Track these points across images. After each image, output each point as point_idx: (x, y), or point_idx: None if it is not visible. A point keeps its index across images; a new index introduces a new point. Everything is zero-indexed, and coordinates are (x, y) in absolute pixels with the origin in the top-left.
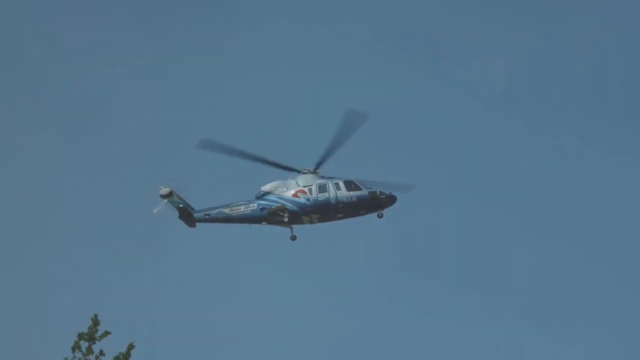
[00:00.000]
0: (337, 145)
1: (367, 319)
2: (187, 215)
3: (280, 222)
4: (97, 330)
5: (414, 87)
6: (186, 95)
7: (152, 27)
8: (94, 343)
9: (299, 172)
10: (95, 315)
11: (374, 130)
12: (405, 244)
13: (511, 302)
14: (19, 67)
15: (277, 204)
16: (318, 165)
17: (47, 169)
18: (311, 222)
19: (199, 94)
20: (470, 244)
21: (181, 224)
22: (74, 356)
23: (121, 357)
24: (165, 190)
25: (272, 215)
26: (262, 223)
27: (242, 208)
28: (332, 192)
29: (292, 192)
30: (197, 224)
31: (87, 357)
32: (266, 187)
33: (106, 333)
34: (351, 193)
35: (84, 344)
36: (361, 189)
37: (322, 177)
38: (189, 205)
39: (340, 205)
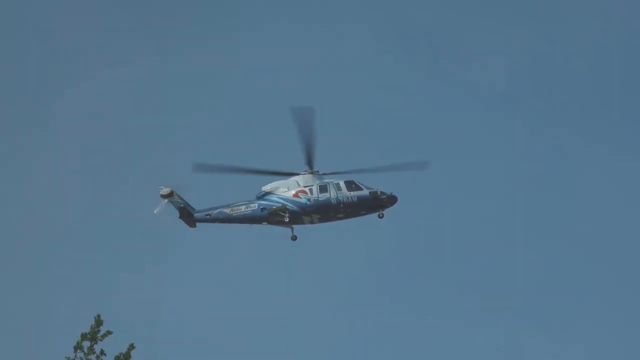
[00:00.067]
0: (310, 144)
1: (367, 319)
2: (188, 215)
3: (281, 222)
4: (99, 331)
5: (414, 87)
6: (186, 95)
7: (152, 27)
8: (96, 343)
9: (298, 174)
10: (98, 315)
11: (374, 130)
12: (405, 244)
13: (511, 302)
14: (19, 67)
15: (278, 204)
16: (310, 166)
17: (47, 168)
18: (312, 222)
19: (199, 94)
20: (470, 244)
21: (182, 224)
22: (75, 356)
23: (121, 357)
24: (165, 190)
25: (273, 216)
26: (263, 223)
27: (243, 208)
28: (332, 192)
29: (293, 192)
30: (197, 224)
31: (89, 357)
32: (267, 187)
33: (108, 333)
34: (352, 193)
35: (85, 344)
36: (362, 189)
37: (323, 177)
38: (189, 205)
39: (341, 205)
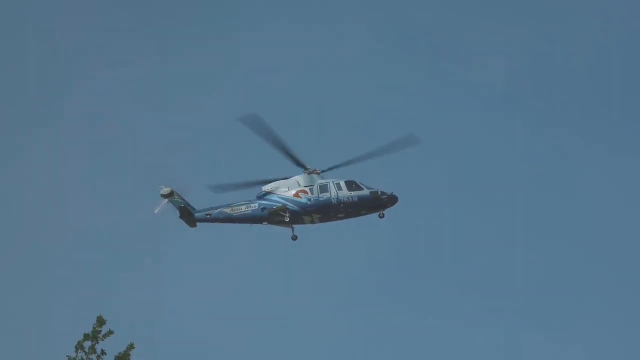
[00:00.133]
0: (284, 147)
1: (367, 319)
2: (188, 215)
3: (281, 222)
4: (100, 331)
5: (414, 87)
6: (186, 96)
7: (152, 27)
8: (97, 342)
9: (305, 169)
10: (101, 316)
11: (374, 130)
12: (405, 244)
13: (511, 302)
14: (19, 67)
15: (279, 204)
16: (329, 169)
17: (47, 169)
18: (312, 222)
19: (199, 94)
20: (470, 244)
21: (182, 224)
22: (76, 355)
23: (121, 357)
24: (166, 190)
25: (274, 216)
26: (264, 223)
27: (244, 208)
28: (333, 192)
29: (294, 192)
30: (198, 224)
31: (90, 357)
32: (267, 187)
33: (110, 333)
34: (352, 193)
35: (87, 344)
36: (362, 189)
37: (324, 177)
38: (190, 205)
39: (342, 205)
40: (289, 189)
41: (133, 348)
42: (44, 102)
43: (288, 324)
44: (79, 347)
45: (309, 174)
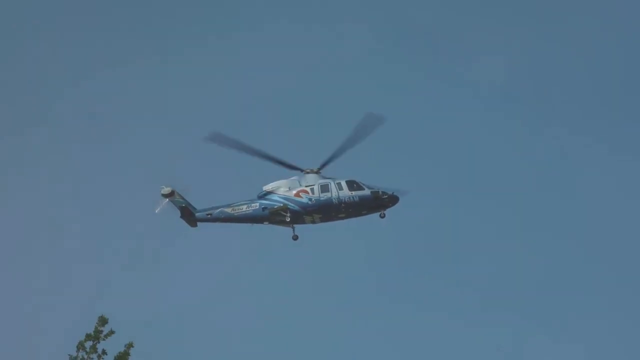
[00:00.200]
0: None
1: (367, 318)
2: (189, 215)
3: (282, 222)
4: (102, 330)
5: (414, 87)
6: (186, 95)
7: (152, 27)
8: (98, 342)
9: (302, 171)
10: (102, 315)
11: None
12: (406, 244)
13: (511, 301)
14: (19, 67)
15: (279, 204)
16: (322, 166)
17: (47, 168)
18: (313, 222)
19: (199, 94)
20: (470, 243)
21: (183, 223)
22: (77, 354)
23: (121, 356)
24: (166, 190)
25: (274, 215)
26: (264, 223)
27: (244, 208)
28: (334, 192)
29: (294, 191)
30: (198, 223)
31: (91, 356)
32: (268, 187)
33: (111, 332)
34: (353, 193)
35: (88, 343)
36: (363, 189)
37: (325, 177)
38: (190, 205)
39: (343, 205)
40: (289, 189)
41: (132, 346)
42: (44, 101)
43: (288, 323)
44: (80, 346)
45: (311, 173)
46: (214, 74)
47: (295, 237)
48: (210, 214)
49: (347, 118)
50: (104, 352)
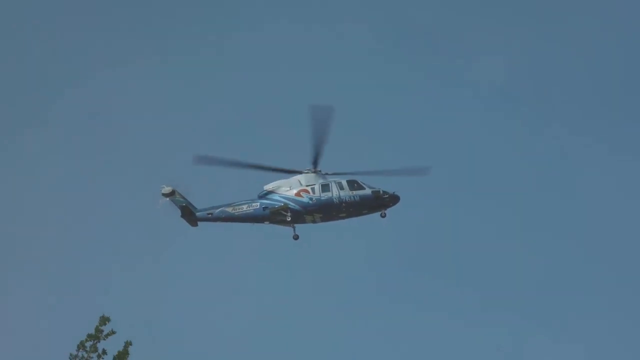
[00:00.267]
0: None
1: (367, 318)
2: (190, 214)
3: (283, 222)
4: (102, 330)
5: (414, 87)
6: (186, 95)
7: (152, 27)
8: (99, 341)
9: (300, 173)
10: (104, 315)
11: (374, 130)
12: (406, 244)
13: (511, 301)
14: (19, 67)
15: (280, 203)
16: (315, 165)
17: (47, 169)
18: (314, 221)
19: (199, 94)
20: (470, 243)
21: (183, 223)
22: (77, 354)
23: (120, 356)
24: (167, 189)
25: (275, 215)
26: (265, 222)
27: (245, 207)
28: (335, 192)
29: (295, 191)
30: (199, 223)
31: (90, 355)
32: (269, 186)
33: (112, 332)
34: (354, 192)
35: (88, 343)
36: (364, 189)
37: (325, 177)
38: (191, 204)
39: (343, 204)
40: (290, 188)
41: (130, 344)
42: (44, 101)
43: (289, 323)
44: (81, 346)
45: (311, 173)
46: (214, 74)
47: (295, 237)
48: (211, 214)
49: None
50: (104, 352)
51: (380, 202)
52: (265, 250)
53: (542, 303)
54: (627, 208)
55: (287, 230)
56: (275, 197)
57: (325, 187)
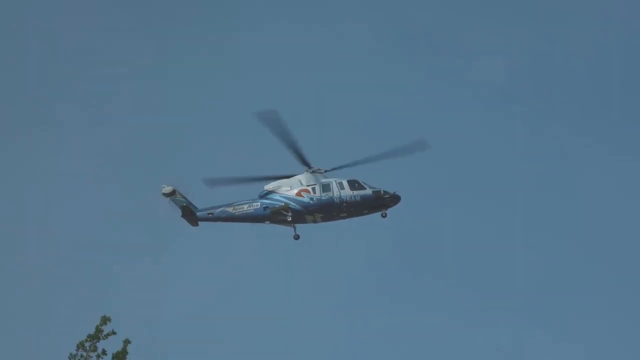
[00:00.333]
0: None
1: (367, 318)
2: (190, 214)
3: (283, 222)
4: (102, 330)
5: (414, 87)
6: (186, 95)
7: (152, 27)
8: (98, 341)
9: (309, 166)
10: (105, 315)
11: (374, 130)
12: (407, 244)
13: (512, 301)
14: (19, 67)
15: (281, 203)
16: (308, 164)
17: (47, 168)
18: (315, 221)
19: (199, 94)
20: (470, 243)
21: (184, 222)
22: (77, 353)
23: (120, 355)
24: (168, 189)
25: (276, 215)
26: (266, 222)
27: (246, 207)
28: (335, 192)
29: (296, 191)
30: (200, 222)
31: (90, 355)
32: (270, 186)
33: (112, 333)
34: (355, 192)
35: (88, 343)
36: (365, 188)
37: (326, 176)
38: (191, 204)
39: (344, 204)
40: (291, 188)
41: (129, 343)
42: (44, 101)
43: (289, 323)
44: (81, 346)
45: (312, 172)
46: (214, 74)
47: (296, 237)
48: (212, 213)
49: (347, 118)
50: (103, 352)
51: (381, 202)
52: (265, 250)
53: (542, 303)
54: (627, 208)
55: (287, 230)
56: (276, 196)
57: (326, 187)
